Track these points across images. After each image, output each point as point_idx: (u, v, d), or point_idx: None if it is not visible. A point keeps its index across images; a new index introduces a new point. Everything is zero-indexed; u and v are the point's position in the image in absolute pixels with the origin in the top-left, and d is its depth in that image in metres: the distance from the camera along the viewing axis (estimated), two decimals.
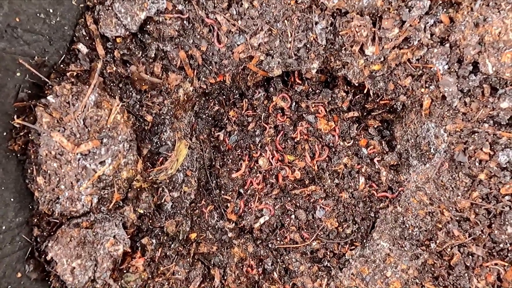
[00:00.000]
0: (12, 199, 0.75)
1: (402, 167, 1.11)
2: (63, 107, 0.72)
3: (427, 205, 0.96)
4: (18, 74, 0.70)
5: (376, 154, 1.15)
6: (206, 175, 1.16)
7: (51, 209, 0.77)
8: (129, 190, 0.84)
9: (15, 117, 0.70)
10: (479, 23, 0.74)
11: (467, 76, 0.82)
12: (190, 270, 0.92)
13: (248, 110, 1.20)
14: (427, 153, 0.99)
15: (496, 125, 0.83)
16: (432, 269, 0.89)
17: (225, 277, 0.97)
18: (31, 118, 0.75)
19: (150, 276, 0.86)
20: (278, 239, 1.16)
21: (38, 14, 0.69)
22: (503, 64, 0.73)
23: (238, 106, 1.21)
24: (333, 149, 1.17)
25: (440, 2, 0.79)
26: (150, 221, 0.91)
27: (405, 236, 1.01)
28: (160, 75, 0.89)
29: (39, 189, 0.77)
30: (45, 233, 0.79)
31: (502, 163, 0.82)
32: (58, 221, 0.79)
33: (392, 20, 0.80)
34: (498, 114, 0.81)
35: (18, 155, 0.77)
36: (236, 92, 1.19)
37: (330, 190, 1.16)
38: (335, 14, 0.85)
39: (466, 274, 0.84)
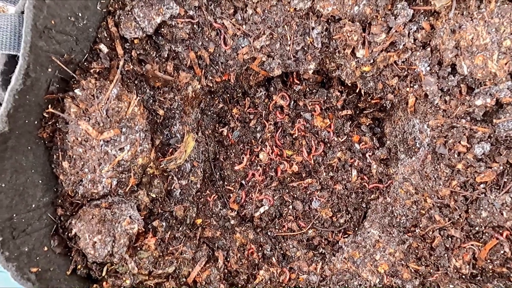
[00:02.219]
0: (40, 181, 0.84)
1: (391, 161, 1.20)
2: (89, 99, 0.81)
3: (412, 194, 1.05)
4: (49, 69, 0.79)
5: (368, 149, 1.24)
6: (210, 167, 1.26)
7: (74, 191, 0.86)
8: (143, 175, 0.94)
9: (49, 106, 0.79)
10: (455, 29, 0.85)
11: (446, 76, 0.92)
12: (196, 251, 1.01)
13: (250, 107, 1.30)
14: (413, 147, 1.09)
15: (472, 120, 0.93)
16: (416, 251, 0.98)
17: (228, 259, 1.06)
18: (59, 109, 0.84)
19: (160, 254, 0.94)
20: (276, 227, 1.25)
21: (69, 18, 0.79)
22: (476, 66, 0.83)
23: (241, 104, 1.30)
24: (328, 145, 1.27)
25: (422, 11, 0.89)
26: (161, 205, 1.00)
27: (393, 224, 1.10)
28: (172, 73, 0.99)
29: (64, 172, 0.86)
30: (68, 213, 0.88)
31: (478, 154, 0.92)
32: (80, 202, 0.88)
33: (380, 26, 0.90)
34: (474, 110, 0.91)
35: (46, 142, 0.86)
36: (239, 90, 1.29)
37: (325, 182, 1.25)
38: (329, 21, 0.95)
39: (445, 255, 0.93)
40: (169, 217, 1.02)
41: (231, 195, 1.25)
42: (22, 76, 0.68)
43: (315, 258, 1.16)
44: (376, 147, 1.24)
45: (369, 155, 1.23)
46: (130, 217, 0.88)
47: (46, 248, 0.83)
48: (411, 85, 0.98)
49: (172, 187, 1.04)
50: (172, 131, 1.05)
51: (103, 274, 0.86)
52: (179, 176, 1.06)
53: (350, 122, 1.27)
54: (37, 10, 0.68)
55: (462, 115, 0.93)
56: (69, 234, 0.86)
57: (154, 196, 0.97)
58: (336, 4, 0.88)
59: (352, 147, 1.26)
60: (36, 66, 0.72)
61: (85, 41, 0.87)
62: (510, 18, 0.79)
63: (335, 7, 0.88)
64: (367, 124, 1.27)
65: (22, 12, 0.69)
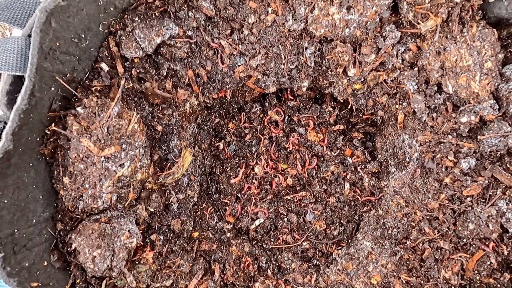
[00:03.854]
0: (41, 197, 0.86)
1: (382, 174, 1.24)
2: (90, 117, 0.84)
3: (403, 207, 1.09)
4: (53, 88, 0.82)
5: (360, 163, 1.28)
6: (207, 181, 1.28)
7: (74, 206, 0.88)
8: (142, 190, 0.96)
9: (52, 124, 0.81)
10: (440, 51, 0.90)
11: (433, 95, 0.96)
12: (193, 264, 1.03)
13: (246, 122, 1.33)
14: (403, 161, 1.13)
15: (458, 136, 0.97)
16: (407, 262, 1.02)
17: (224, 272, 1.08)
18: (61, 126, 0.86)
19: (158, 268, 0.96)
20: (272, 239, 1.27)
21: (72, 39, 0.82)
22: (460, 86, 0.88)
23: (236, 119, 1.34)
24: (322, 158, 1.30)
25: (409, 33, 0.94)
26: (159, 219, 1.02)
27: (385, 235, 1.13)
28: (171, 90, 1.02)
29: (64, 188, 0.88)
30: (67, 228, 0.90)
31: (464, 169, 0.96)
32: (79, 216, 0.90)
33: (370, 47, 0.95)
34: (459, 127, 0.95)
35: (47, 158, 0.88)
36: (235, 106, 1.33)
37: (319, 195, 1.29)
38: (322, 41, 1.00)
39: (435, 266, 0.97)
40: (166, 230, 1.04)
41: (227, 208, 1.27)
42: (28, 96, 0.71)
43: (309, 270, 1.18)
44: (368, 160, 1.28)
45: (361, 169, 1.27)
46: (129, 231, 0.90)
47: (46, 263, 0.84)
48: (400, 102, 1.03)
49: (170, 201, 1.06)
50: (170, 146, 1.07)
51: None
52: (177, 190, 1.08)
53: (343, 136, 1.31)
54: (43, 33, 0.71)
55: (449, 131, 0.97)
56: (69, 249, 0.88)
57: (152, 210, 0.99)
58: (328, 26, 0.92)
59: (344, 160, 1.29)
60: (41, 86, 0.75)
61: (87, 60, 0.90)
62: (491, 42, 0.84)
63: (327, 29, 0.93)
64: (359, 138, 1.31)
65: (29, 35, 0.72)
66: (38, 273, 0.81)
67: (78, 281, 0.87)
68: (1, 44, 0.71)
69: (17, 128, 0.72)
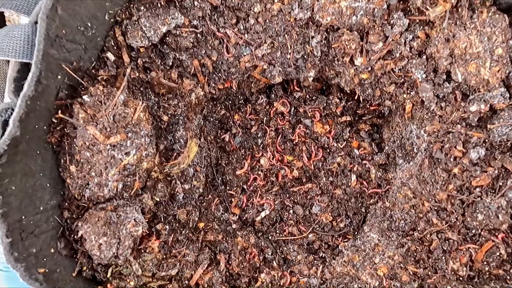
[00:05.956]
0: (48, 184, 0.87)
1: (389, 166, 1.23)
2: (96, 105, 0.84)
3: (410, 198, 1.08)
4: (59, 76, 0.82)
5: (367, 155, 1.27)
6: (212, 172, 1.28)
7: (81, 194, 0.89)
8: (148, 179, 0.96)
9: (59, 112, 0.82)
10: (449, 38, 0.88)
11: (441, 83, 0.95)
12: (199, 254, 1.03)
13: (252, 114, 1.33)
14: (411, 152, 1.11)
15: (467, 126, 0.95)
16: (414, 254, 1.00)
17: (230, 262, 1.08)
18: (67, 114, 0.87)
19: (164, 257, 0.96)
20: (277, 231, 1.27)
21: (79, 27, 0.82)
22: (470, 73, 0.87)
23: (242, 110, 1.33)
24: (328, 150, 1.29)
25: (417, 20, 0.92)
26: (165, 209, 1.03)
27: (392, 227, 1.12)
28: (176, 80, 1.02)
29: (71, 176, 0.88)
30: (74, 216, 0.91)
31: (473, 159, 0.94)
32: (86, 205, 0.91)
33: (377, 36, 0.94)
34: (468, 116, 0.94)
35: (54, 146, 0.88)
36: (241, 97, 1.32)
37: (325, 187, 1.28)
38: (328, 30, 0.99)
39: (443, 257, 0.95)
40: (172, 220, 1.04)
41: (233, 199, 1.27)
42: (34, 83, 0.72)
43: (315, 261, 1.18)
44: (374, 152, 1.27)
45: (368, 160, 1.26)
46: (134, 220, 0.90)
47: (53, 250, 0.85)
48: (408, 91, 1.01)
49: (176, 191, 1.06)
50: (176, 137, 1.08)
51: (108, 275, 0.88)
52: (182, 180, 1.09)
53: (349, 128, 1.30)
54: (50, 20, 0.71)
55: (458, 121, 0.96)
56: (75, 236, 0.88)
57: (158, 199, 0.99)
58: (334, 14, 0.91)
59: (351, 152, 1.28)
60: (47, 73, 0.75)
61: (93, 50, 0.91)
62: (502, 28, 0.82)
63: (333, 17, 0.92)
64: (366, 130, 1.30)
65: (36, 22, 0.73)
66: (45, 259, 0.82)
67: (84, 268, 0.88)
68: (8, 31, 0.72)
69: (24, 115, 0.73)
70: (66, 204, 0.90)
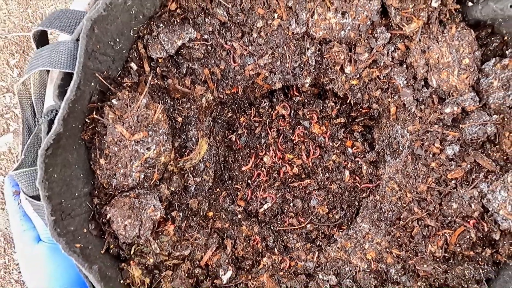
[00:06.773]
0: (81, 175, 1.02)
1: (379, 163, 1.36)
2: (123, 107, 1.00)
3: (397, 191, 1.20)
4: (92, 84, 0.98)
5: (359, 153, 1.40)
6: (220, 168, 1.43)
7: (108, 183, 1.04)
8: (165, 172, 1.11)
9: (93, 112, 0.97)
10: (425, 50, 1.01)
11: (420, 89, 1.08)
12: (208, 239, 1.17)
13: (256, 116, 1.47)
14: (397, 150, 1.24)
15: (444, 126, 1.08)
16: (398, 239, 1.13)
17: (235, 247, 1.21)
18: (98, 115, 1.03)
19: (178, 239, 1.11)
20: (278, 222, 1.40)
21: (109, 42, 0.98)
22: (442, 80, 1.00)
23: (247, 113, 1.48)
24: (324, 149, 1.43)
25: (398, 34, 1.06)
26: (179, 198, 1.17)
27: (382, 218, 1.25)
28: (189, 86, 1.18)
29: (100, 168, 1.04)
30: (102, 202, 1.06)
31: (449, 155, 1.07)
32: (112, 193, 1.06)
33: (363, 47, 1.08)
34: (444, 117, 1.07)
35: (86, 143, 1.04)
36: (246, 101, 1.47)
37: (322, 182, 1.41)
38: (321, 42, 1.13)
39: (423, 242, 1.07)
40: (185, 208, 1.19)
41: (239, 193, 1.41)
42: (75, 89, 0.87)
43: (312, 249, 1.30)
44: (366, 151, 1.40)
45: (360, 158, 1.39)
46: (153, 206, 1.05)
47: (85, 230, 1.00)
48: (392, 96, 1.15)
49: (188, 183, 1.21)
50: (189, 136, 1.23)
51: (131, 253, 1.03)
52: (194, 174, 1.23)
53: (344, 129, 1.43)
54: (88, 38, 0.87)
55: (435, 121, 1.09)
56: (104, 220, 1.03)
57: (173, 189, 1.14)
58: (326, 29, 1.06)
59: (345, 151, 1.41)
60: (85, 81, 0.91)
61: (119, 61, 1.06)
62: (468, 41, 0.96)
63: (325, 32, 1.06)
64: (359, 130, 1.43)
65: (77, 40, 0.89)
66: (79, 237, 0.97)
67: (111, 246, 1.02)
68: (54, 47, 0.88)
69: (66, 115, 0.88)
70: (96, 192, 1.05)
